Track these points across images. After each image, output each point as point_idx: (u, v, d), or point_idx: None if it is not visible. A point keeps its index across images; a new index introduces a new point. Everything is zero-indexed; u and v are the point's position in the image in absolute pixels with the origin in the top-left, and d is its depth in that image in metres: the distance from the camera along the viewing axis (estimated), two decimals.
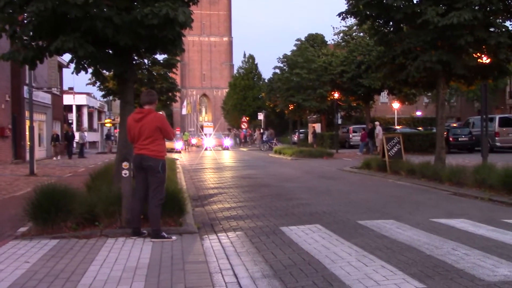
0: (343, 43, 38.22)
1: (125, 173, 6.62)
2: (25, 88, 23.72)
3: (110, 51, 9.02)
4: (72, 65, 8.62)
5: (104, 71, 9.74)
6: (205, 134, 50.62)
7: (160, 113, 6.53)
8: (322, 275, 4.60)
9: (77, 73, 8.74)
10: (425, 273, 4.57)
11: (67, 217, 6.66)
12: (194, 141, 54.79)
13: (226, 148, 43.78)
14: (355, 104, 37.91)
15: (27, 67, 12.10)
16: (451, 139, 26.57)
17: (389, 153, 15.74)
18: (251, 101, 64.10)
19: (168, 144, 32.11)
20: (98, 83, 24.79)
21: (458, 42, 12.83)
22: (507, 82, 42.16)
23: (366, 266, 4.81)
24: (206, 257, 5.41)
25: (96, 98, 55.40)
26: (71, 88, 50.10)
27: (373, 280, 4.36)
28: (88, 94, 51.47)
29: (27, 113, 22.14)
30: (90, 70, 9.69)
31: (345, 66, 30.49)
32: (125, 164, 6.62)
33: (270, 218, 7.88)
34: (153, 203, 6.22)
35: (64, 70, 34.70)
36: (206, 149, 41.23)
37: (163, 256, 5.40)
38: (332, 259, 5.12)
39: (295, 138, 40.94)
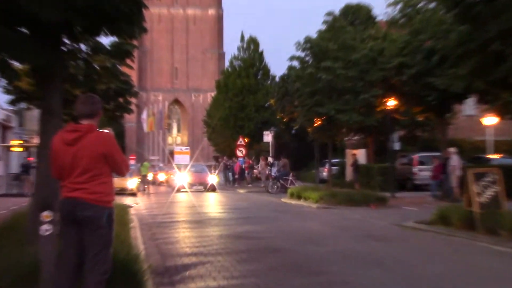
0: (402, 20, 38.44)
1: (46, 229, 6.63)
2: None
3: (26, 31, 9.12)
4: None
5: (15, 62, 9.83)
6: (177, 166, 50.25)
7: (107, 131, 6.55)
8: None
9: None
10: None
11: None
12: (162, 176, 54.68)
13: (212, 189, 43.50)
14: (422, 119, 37.96)
15: None
16: None
17: (480, 198, 15.69)
18: (252, 112, 64.20)
19: (118, 182, 32.09)
20: (3, 82, 24.98)
21: None
22: None
23: None
24: None
25: None
26: None
27: None
28: None
29: None
30: None
31: (406, 57, 30.62)
32: (46, 215, 6.63)
33: None
34: (93, 279, 6.20)
35: None
36: (179, 190, 41.45)
37: None
38: None
39: (325, 173, 40.92)
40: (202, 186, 43.84)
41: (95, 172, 6.30)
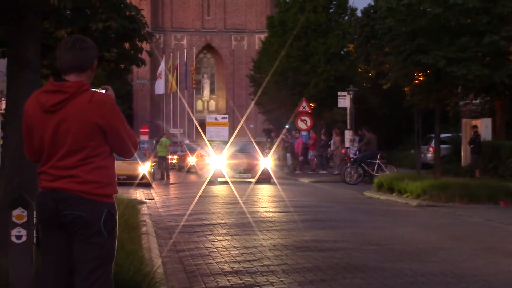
0: None
1: (18, 235, 6.72)
2: None
3: None
4: None
5: None
6: (211, 144, 49.77)
7: (104, 91, 6.55)
8: None
9: None
10: None
11: None
12: (191, 159, 53.94)
13: (266, 178, 41.05)
14: None
15: None
16: None
17: None
18: (321, 64, 64.04)
19: (124, 167, 32.43)
20: None
21: None
22: None
23: None
24: None
25: None
26: None
27: None
28: None
29: None
30: None
31: None
32: (18, 215, 6.72)
33: None
34: None
35: None
36: (213, 181, 40.41)
37: None
38: None
39: (430, 154, 40.74)
40: (250, 174, 41.28)
41: (88, 152, 6.29)
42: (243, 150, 45.30)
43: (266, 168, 40.99)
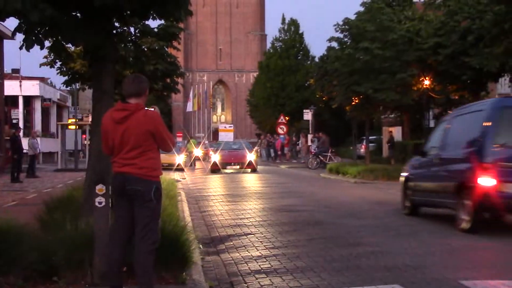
0: (438, 1, 37.94)
1: (99, 201, 6.72)
2: None
3: (79, 15, 9.20)
4: (21, 36, 8.81)
5: (69, 45, 9.94)
6: (215, 143, 48.50)
7: (153, 109, 6.57)
8: None
9: (27, 49, 8.93)
10: None
11: (10, 268, 6.77)
12: (198, 152, 52.43)
13: (252, 168, 36.11)
14: (457, 97, 37.50)
15: None
16: None
17: None
18: (293, 92, 64.09)
19: (166, 158, 32.33)
20: (58, 63, 25.24)
21: None
22: None
23: None
24: None
25: (55, 87, 56.34)
26: (16, 71, 50.94)
27: None
28: (42, 79, 52.33)
29: None
30: (47, 44, 9.91)
31: (442, 37, 30.25)
32: (100, 188, 6.72)
33: (323, 274, 7.89)
34: (143, 249, 6.28)
35: (7, 43, 35.41)
36: (213, 171, 35.54)
37: None
38: None
39: (362, 149, 40.61)
40: (238, 166, 35.65)
41: (143, 148, 6.33)
42: (234, 148, 39.62)
43: (251, 161, 36.07)
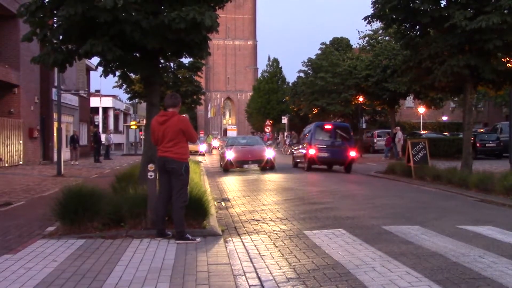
0: (368, 47, 37.85)
1: (150, 175, 6.70)
2: (54, 90, 24.23)
3: (138, 55, 9.17)
4: (100, 68, 8.79)
5: (131, 74, 9.91)
6: (213, 136, 47.37)
7: (184, 116, 6.58)
8: (346, 279, 4.57)
9: (105, 76, 8.92)
10: (451, 280, 4.50)
11: (94, 217, 6.77)
12: (215, 143, 52.31)
13: (271, 166, 20.33)
14: (380, 109, 37.47)
15: (56, 70, 12.38)
16: (478, 144, 26.09)
17: (415, 158, 15.55)
18: (275, 105, 63.98)
19: (192, 147, 32.23)
20: (124, 86, 25.18)
21: (487, 46, 12.61)
22: None
23: (391, 272, 4.76)
24: (230, 260, 5.43)
25: (122, 101, 56.18)
26: (97, 91, 50.91)
27: (397, 286, 4.32)
28: (114, 96, 52.23)
29: (55, 115, 22.57)
30: (117, 73, 9.86)
31: (370, 70, 30.19)
32: (150, 166, 6.70)
33: (294, 221, 7.86)
34: (177, 205, 6.27)
35: (92, 72, 35.35)
36: (226, 169, 20.11)
37: (188, 257, 5.44)
38: (356, 264, 5.08)
39: None
40: (256, 164, 20.13)
41: (177, 140, 6.31)
42: (250, 143, 23.19)
43: (270, 158, 20.25)
